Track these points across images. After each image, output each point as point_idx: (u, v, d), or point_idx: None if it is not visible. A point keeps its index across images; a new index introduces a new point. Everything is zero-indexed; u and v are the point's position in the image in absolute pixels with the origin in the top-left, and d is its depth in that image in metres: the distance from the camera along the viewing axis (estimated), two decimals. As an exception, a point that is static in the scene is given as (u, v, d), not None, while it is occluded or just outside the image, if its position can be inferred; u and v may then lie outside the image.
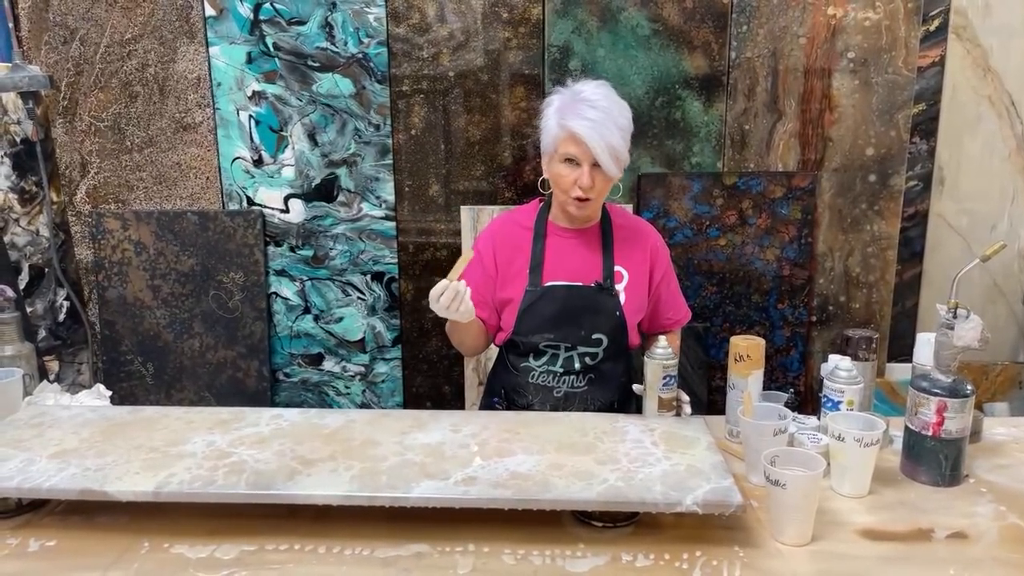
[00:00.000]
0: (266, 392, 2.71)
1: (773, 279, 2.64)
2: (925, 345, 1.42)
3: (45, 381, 1.61)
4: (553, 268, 1.66)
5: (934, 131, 2.69)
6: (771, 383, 2.69)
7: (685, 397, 1.50)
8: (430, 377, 2.74)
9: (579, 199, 1.58)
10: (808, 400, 2.73)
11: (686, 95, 2.54)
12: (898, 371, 2.75)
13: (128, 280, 2.66)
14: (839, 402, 1.34)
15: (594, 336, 1.65)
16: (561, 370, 1.68)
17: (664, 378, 1.46)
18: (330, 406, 2.77)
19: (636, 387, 1.54)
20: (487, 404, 1.77)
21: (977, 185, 2.74)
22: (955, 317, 1.26)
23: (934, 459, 1.29)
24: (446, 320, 1.68)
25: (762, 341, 1.43)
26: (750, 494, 1.25)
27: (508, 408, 1.71)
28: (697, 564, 1.06)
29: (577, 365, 1.67)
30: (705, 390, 2.68)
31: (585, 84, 1.58)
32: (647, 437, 1.28)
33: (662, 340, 1.48)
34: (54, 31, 2.55)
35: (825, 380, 1.36)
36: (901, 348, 2.78)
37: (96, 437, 1.28)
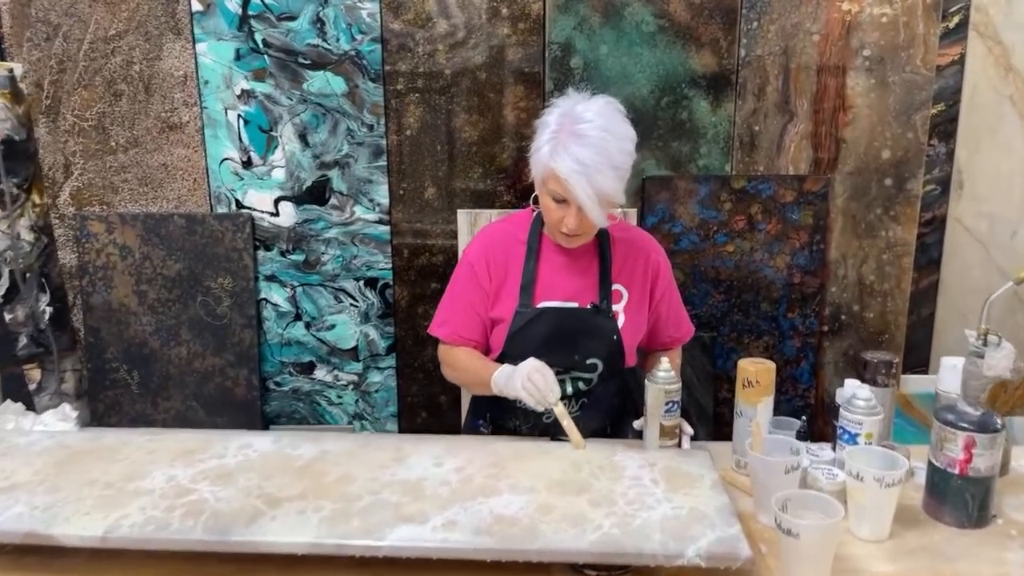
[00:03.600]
0: (256, 402, 2.62)
1: (783, 287, 2.53)
2: (950, 371, 1.31)
3: (8, 401, 1.52)
4: (546, 287, 1.55)
5: (953, 133, 2.57)
6: (781, 395, 2.58)
7: (688, 429, 1.40)
8: (425, 386, 2.64)
9: (566, 235, 1.47)
10: (819, 413, 2.62)
11: (693, 95, 2.42)
12: (914, 383, 2.64)
13: (113, 285, 2.57)
14: (856, 435, 1.23)
15: (589, 361, 1.54)
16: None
17: (667, 404, 1.35)
18: (322, 416, 2.67)
19: (636, 423, 1.44)
20: (471, 426, 1.66)
21: (997, 189, 2.61)
22: (985, 344, 1.15)
23: (960, 499, 1.18)
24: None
25: (772, 366, 1.32)
26: (759, 536, 1.15)
27: (494, 431, 1.61)
28: (700, 623, 0.96)
29: (569, 390, 1.57)
30: (712, 402, 2.57)
31: (588, 104, 1.40)
32: (647, 474, 1.17)
33: (664, 362, 1.38)
34: (36, 27, 2.45)
35: (841, 409, 1.25)
36: (917, 359, 2.68)
37: (50, 469, 1.19)
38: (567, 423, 1.32)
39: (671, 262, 2.50)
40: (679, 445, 1.37)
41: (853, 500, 1.14)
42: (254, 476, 1.15)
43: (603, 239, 1.57)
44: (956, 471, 1.17)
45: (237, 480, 1.14)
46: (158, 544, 1.00)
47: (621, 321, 1.56)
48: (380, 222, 2.52)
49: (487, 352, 1.60)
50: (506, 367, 1.43)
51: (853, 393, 1.25)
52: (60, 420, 1.45)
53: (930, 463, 1.22)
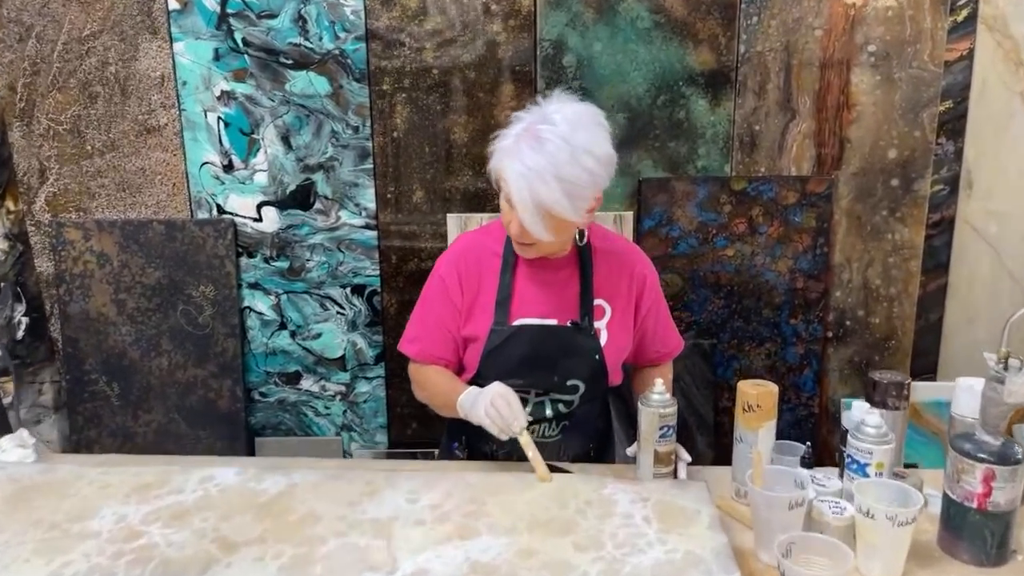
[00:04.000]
0: (240, 413, 2.53)
1: (785, 292, 2.43)
2: (966, 393, 1.22)
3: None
4: (523, 303, 1.45)
5: (962, 131, 2.47)
6: (783, 403, 2.49)
7: (685, 456, 1.30)
8: (414, 397, 2.54)
9: (518, 243, 1.37)
10: (822, 422, 2.53)
11: (691, 93, 2.32)
12: (922, 391, 2.54)
13: (91, 294, 2.48)
14: (866, 464, 1.14)
15: (569, 382, 1.45)
16: (530, 418, 1.46)
17: (661, 428, 1.26)
18: (309, 427, 2.59)
19: (630, 450, 1.34)
20: (447, 449, 1.57)
21: (1008, 189, 2.51)
22: (1006, 369, 1.05)
23: (978, 535, 1.09)
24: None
25: (774, 389, 1.23)
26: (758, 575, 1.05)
27: (470, 456, 1.51)
28: None
29: (549, 412, 1.47)
30: (712, 412, 2.48)
31: (562, 108, 1.29)
32: (639, 510, 1.08)
33: (658, 384, 1.29)
34: (8, 28, 2.36)
35: (849, 437, 1.16)
36: (924, 365, 2.57)
37: (-5, 506, 1.10)
38: (532, 454, 1.23)
39: (669, 267, 2.43)
40: (675, 472, 1.28)
41: (863, 538, 1.05)
42: (212, 516, 1.06)
43: (584, 251, 1.47)
44: (974, 505, 1.08)
45: (192, 520, 1.05)
46: (100, 597, 0.91)
47: (604, 339, 1.46)
48: (367, 227, 2.43)
49: (461, 371, 1.51)
50: (472, 390, 1.34)
51: (862, 419, 1.15)
52: (18, 446, 1.37)
53: (945, 496, 1.13)
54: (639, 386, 1.59)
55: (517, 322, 1.43)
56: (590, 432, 1.54)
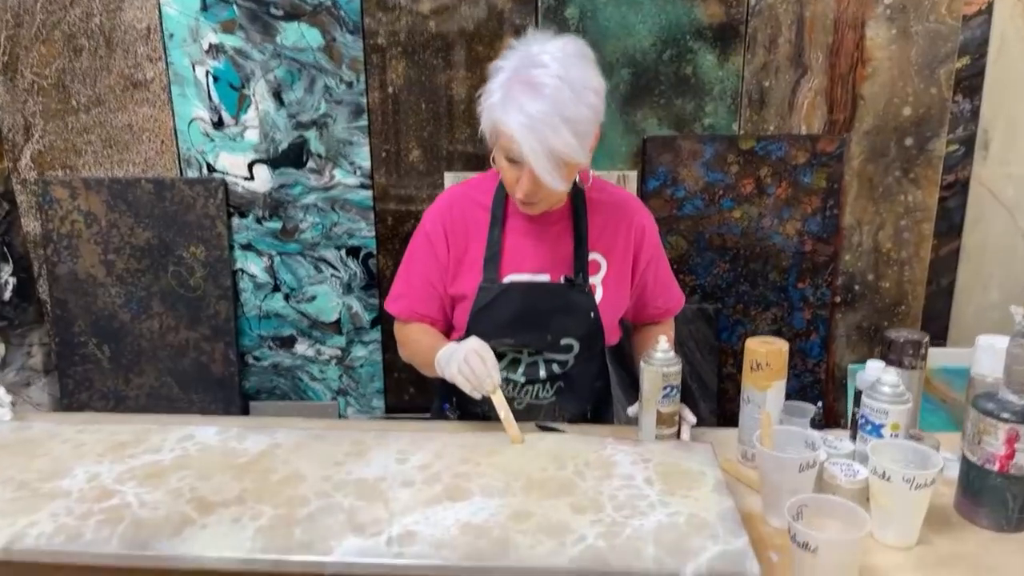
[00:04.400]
0: (234, 377, 2.48)
1: (793, 255, 2.36)
2: (987, 352, 1.16)
3: (-63, 383, 1.37)
4: (513, 259, 1.37)
5: (979, 88, 2.37)
6: (790, 370, 2.43)
7: (690, 417, 1.24)
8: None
9: (522, 201, 1.29)
10: (829, 390, 2.47)
11: (698, 47, 2.23)
12: (932, 357, 2.48)
13: (79, 255, 2.41)
14: (881, 425, 1.07)
15: (563, 341, 1.38)
16: (523, 379, 1.41)
17: (665, 388, 1.20)
18: (304, 392, 2.53)
19: (631, 410, 1.28)
20: (438, 410, 1.51)
21: (1025, 150, 2.43)
22: (1035, 323, 0.99)
23: (999, 499, 1.03)
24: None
25: (784, 346, 1.16)
26: (768, 543, 1.00)
27: (462, 417, 1.45)
28: (699, 653, 0.81)
29: (542, 373, 1.41)
30: (715, 378, 2.42)
31: (546, 47, 1.20)
32: (640, 471, 1.02)
33: (662, 342, 1.22)
34: (-12, -24, 2.27)
35: (864, 396, 1.10)
36: (935, 330, 2.51)
37: (-38, 465, 1.04)
38: (504, 414, 1.18)
39: (674, 229, 2.36)
40: (678, 434, 1.22)
41: (877, 502, 0.99)
42: (189, 475, 1.01)
43: (578, 202, 1.39)
44: (995, 468, 1.02)
45: (169, 480, 1.00)
46: (66, 558, 0.86)
47: (599, 296, 1.39)
48: (362, 187, 2.36)
49: (450, 330, 1.45)
50: (451, 346, 1.27)
51: (878, 378, 1.09)
52: (-8, 405, 1.30)
53: (965, 459, 1.07)
54: (639, 345, 1.53)
55: (507, 279, 1.36)
56: (586, 393, 1.48)
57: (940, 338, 2.53)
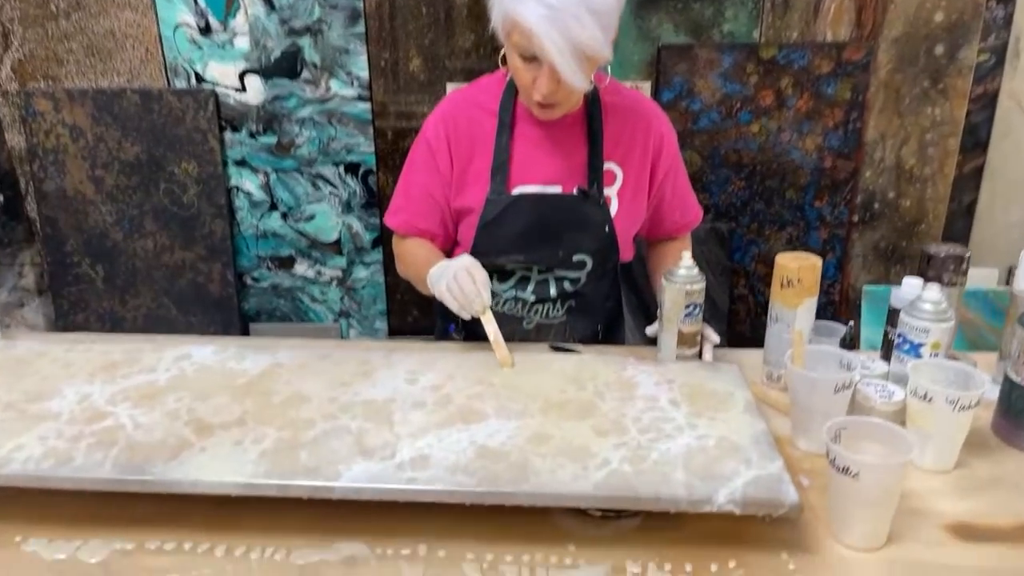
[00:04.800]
0: (232, 299, 2.41)
1: (812, 172, 2.26)
2: (1034, 268, 1.08)
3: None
4: (523, 169, 1.27)
5: (1015, -8, 2.23)
6: (802, 291, 2.36)
7: (713, 336, 1.17)
8: (415, 283, 2.42)
9: (542, 104, 1.18)
10: (842, 311, 2.41)
11: (720, -56, 2.08)
12: (948, 278, 2.43)
13: (66, 170, 2.31)
14: (920, 345, 1.01)
15: (576, 257, 1.30)
16: (533, 298, 1.34)
17: (688, 307, 1.13)
18: (305, 314, 2.48)
19: (650, 330, 1.22)
20: (442, 331, 1.44)
21: (1060, 60, 2.30)
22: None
23: (1043, 421, 0.97)
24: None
25: (817, 261, 1.08)
26: (798, 466, 0.95)
27: (467, 338, 1.39)
28: (730, 581, 0.77)
29: (553, 291, 1.33)
30: (727, 299, 2.36)
31: None
32: (664, 393, 0.96)
33: (686, 258, 1.15)
34: None
35: (903, 314, 1.03)
36: (952, 252, 2.45)
37: (-56, 386, 0.98)
38: (493, 336, 1.11)
39: (688, 144, 2.25)
40: (699, 355, 1.16)
41: (916, 424, 0.94)
42: (186, 396, 0.95)
43: (592, 107, 1.28)
44: (1041, 389, 0.96)
45: (165, 400, 0.94)
46: (56, 483, 0.80)
47: (614, 208, 1.30)
48: (359, 98, 2.23)
49: (454, 246, 1.37)
50: (443, 263, 1.19)
51: (919, 295, 1.02)
52: (-22, 324, 1.24)
53: (1007, 379, 1.01)
54: (655, 262, 1.45)
55: (516, 190, 1.27)
56: (598, 312, 1.41)
57: (958, 259, 2.46)
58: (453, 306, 1.15)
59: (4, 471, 0.81)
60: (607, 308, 1.44)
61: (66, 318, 2.45)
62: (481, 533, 0.82)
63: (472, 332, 1.39)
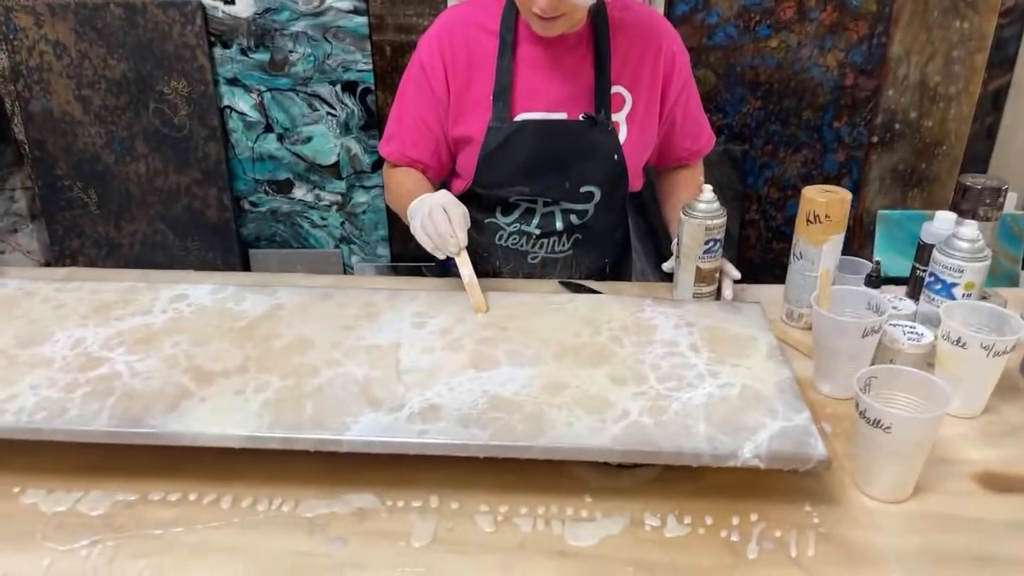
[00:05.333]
0: (230, 224, 2.35)
1: (832, 91, 2.16)
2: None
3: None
4: (527, 94, 1.18)
5: None
6: (815, 216, 2.30)
7: (733, 272, 1.12)
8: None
9: (542, 17, 1.08)
10: (855, 237, 2.35)
11: None
12: (965, 202, 2.36)
13: (52, 89, 2.21)
14: (953, 284, 0.96)
15: (583, 189, 1.23)
16: (538, 231, 1.28)
17: (707, 243, 1.08)
18: (306, 240, 2.42)
19: (666, 266, 1.16)
20: (442, 267, 1.40)
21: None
22: None
23: (1077, 364, 0.94)
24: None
25: (847, 196, 1.02)
26: (820, 412, 0.92)
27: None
28: (752, 536, 0.74)
29: (559, 225, 1.27)
30: (737, 224, 2.30)
31: None
32: (684, 337, 0.92)
33: (707, 191, 1.08)
34: None
35: (935, 251, 0.98)
36: (973, 173, 2.37)
37: (-72, 329, 0.94)
38: (468, 280, 1.04)
39: (702, 61, 2.14)
40: (718, 294, 1.12)
41: (946, 369, 0.90)
42: (184, 340, 0.91)
43: (599, 24, 1.18)
44: (1078, 330, 0.92)
45: (162, 345, 0.90)
46: (51, 435, 0.77)
47: (623, 135, 1.22)
48: (356, 12, 2.11)
49: (453, 177, 1.30)
50: (425, 197, 1.12)
51: (954, 232, 0.96)
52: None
53: (1041, 318, 0.96)
54: (666, 191, 1.38)
55: (520, 117, 1.19)
56: (606, 245, 1.36)
57: (978, 181, 2.38)
58: (428, 245, 1.08)
59: (-4, 423, 0.77)
60: (615, 240, 1.38)
61: (61, 244, 2.39)
62: (495, 484, 0.80)
63: (474, 267, 1.34)
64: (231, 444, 0.76)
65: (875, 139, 2.24)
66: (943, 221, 1.04)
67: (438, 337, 0.92)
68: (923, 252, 1.07)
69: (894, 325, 0.97)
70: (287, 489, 0.80)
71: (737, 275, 1.12)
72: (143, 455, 0.83)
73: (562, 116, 1.20)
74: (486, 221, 1.30)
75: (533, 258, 1.31)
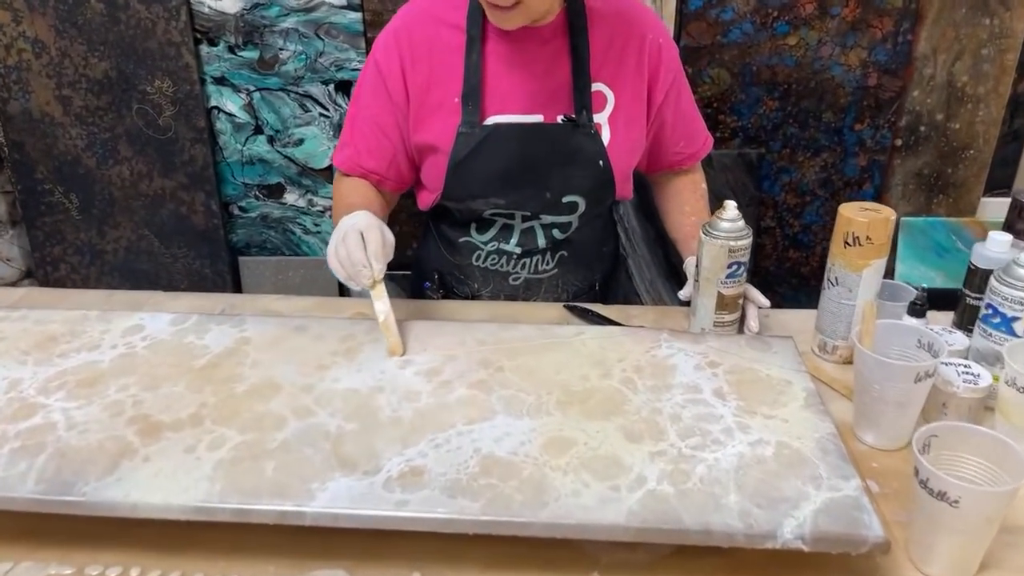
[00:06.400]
0: (219, 230, 2.24)
1: (854, 91, 2.03)
2: None
3: None
4: (497, 95, 1.06)
5: None
6: (835, 224, 2.18)
7: (761, 300, 1.00)
8: (414, 215, 2.24)
9: (494, 4, 0.95)
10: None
11: None
12: (993, 208, 2.23)
13: (30, 89, 2.10)
14: (1015, 319, 0.84)
15: (565, 199, 1.10)
16: (518, 250, 1.16)
17: (731, 267, 0.96)
18: (298, 247, 2.31)
19: (683, 293, 1.04)
20: (417, 289, 1.28)
21: None
22: None
23: None
24: None
25: (890, 215, 0.90)
26: (863, 466, 0.80)
27: (446, 297, 1.22)
28: (791, 628, 0.63)
29: (541, 241, 1.15)
30: (753, 232, 2.17)
31: None
32: (707, 380, 0.80)
33: (730, 208, 0.97)
34: None
35: (994, 279, 0.85)
36: (1000, 178, 2.24)
37: None
38: (383, 319, 0.89)
39: (716, 60, 2.01)
40: (740, 325, 1.00)
41: (1009, 419, 0.78)
42: (133, 383, 0.79)
43: (574, 15, 1.06)
44: None
45: (107, 389, 0.78)
46: (-33, 504, 0.65)
47: (606, 137, 1.09)
48: (349, 7, 1.99)
49: (416, 191, 1.18)
50: (344, 218, 0.97)
51: (1014, 258, 0.84)
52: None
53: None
54: (667, 202, 1.25)
55: (490, 120, 1.06)
56: (594, 261, 1.23)
57: (1006, 187, 2.26)
58: (340, 275, 0.94)
59: (-96, 488, 0.66)
60: (603, 255, 1.26)
61: (42, 250, 2.28)
62: (486, 558, 0.68)
63: (451, 290, 1.22)
64: (174, 516, 0.64)
65: (899, 142, 2.11)
66: (997, 244, 0.92)
67: (424, 380, 0.80)
68: (974, 277, 0.95)
69: (946, 364, 0.85)
70: (245, 563, 0.69)
71: (765, 303, 1.00)
72: (83, 520, 0.71)
73: (538, 119, 1.07)
74: (461, 240, 1.18)
75: (515, 279, 1.19)
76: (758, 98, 2.05)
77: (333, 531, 0.68)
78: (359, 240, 0.92)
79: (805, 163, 2.13)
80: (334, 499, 0.64)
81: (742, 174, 2.12)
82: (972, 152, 2.13)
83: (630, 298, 1.80)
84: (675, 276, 2.18)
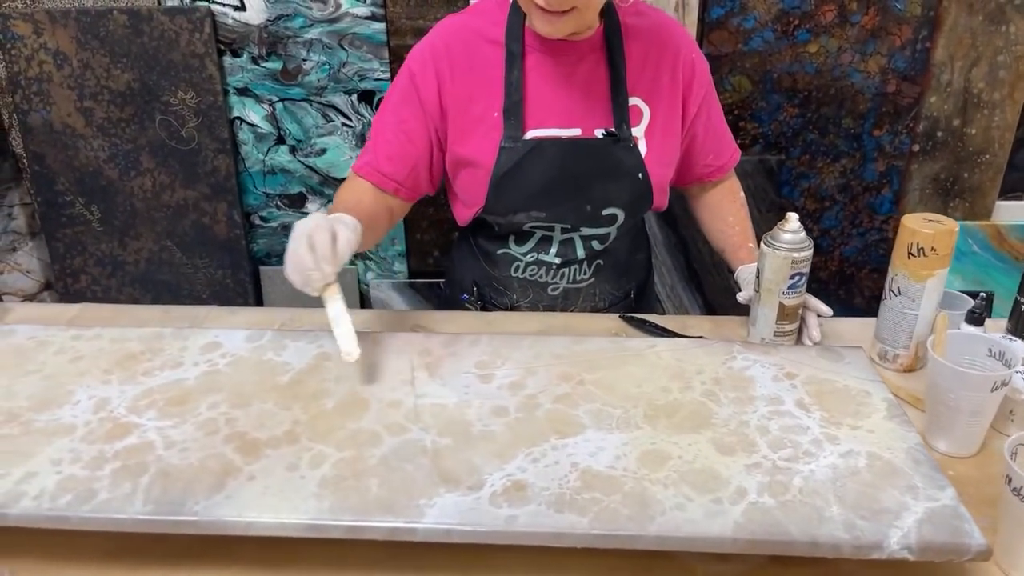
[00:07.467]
0: (241, 240, 2.24)
1: (874, 98, 2.06)
2: None
3: None
4: (537, 109, 1.07)
5: None
6: (854, 228, 2.21)
7: (822, 307, 1.02)
8: (436, 223, 2.25)
9: (545, 10, 0.96)
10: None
11: None
12: (1008, 211, 2.27)
13: (52, 101, 2.09)
14: (1079, 327, 0.86)
15: (605, 212, 1.12)
16: (558, 261, 1.17)
17: (792, 277, 0.97)
18: (319, 255, 2.30)
19: (741, 296, 1.06)
20: (456, 300, 1.28)
21: None
22: None
23: None
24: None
25: (955, 226, 0.92)
26: (938, 473, 0.81)
27: (484, 309, 1.23)
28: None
29: (580, 252, 1.16)
30: (772, 237, 2.20)
31: None
32: (787, 392, 0.81)
33: (792, 220, 0.98)
34: None
35: (1057, 290, 0.88)
36: (1015, 182, 2.27)
37: (-69, 388, 0.83)
38: (340, 328, 0.85)
39: (737, 68, 2.03)
40: (799, 335, 1.01)
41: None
42: (222, 401, 0.80)
43: (611, 31, 1.08)
44: None
45: (198, 407, 0.79)
46: (78, 524, 0.66)
47: (643, 150, 1.11)
48: (373, 18, 2.00)
49: (452, 206, 1.20)
50: (297, 223, 0.91)
51: (1079, 268, 0.86)
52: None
53: None
54: (708, 212, 1.27)
55: (530, 134, 1.07)
56: (629, 269, 1.25)
57: (1020, 190, 2.29)
58: (294, 281, 0.88)
59: (14, 510, 0.66)
60: (638, 263, 1.28)
61: (62, 262, 2.28)
62: (589, 568, 0.70)
63: (490, 301, 1.24)
64: (290, 534, 0.65)
65: (916, 147, 2.14)
66: (1056, 253, 0.94)
67: (509, 393, 0.81)
68: (1032, 286, 0.97)
69: (1018, 372, 0.87)
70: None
71: (827, 312, 1.02)
72: (178, 537, 0.72)
73: (576, 132, 1.09)
74: (499, 252, 1.19)
75: (554, 289, 1.20)
76: (778, 105, 2.08)
77: (436, 544, 0.69)
78: (307, 243, 0.87)
79: (824, 169, 2.15)
80: (443, 515, 0.65)
81: (762, 180, 2.14)
82: (988, 157, 2.17)
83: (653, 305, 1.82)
84: (695, 281, 2.20)
